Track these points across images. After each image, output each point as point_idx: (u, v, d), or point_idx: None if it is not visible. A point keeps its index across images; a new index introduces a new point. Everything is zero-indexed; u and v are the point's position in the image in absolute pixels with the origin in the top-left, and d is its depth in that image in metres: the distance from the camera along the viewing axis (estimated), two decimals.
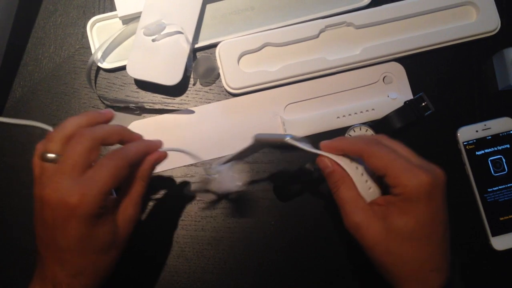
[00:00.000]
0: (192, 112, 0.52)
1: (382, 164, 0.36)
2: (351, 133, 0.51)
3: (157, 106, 0.53)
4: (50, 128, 0.52)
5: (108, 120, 0.41)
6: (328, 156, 0.39)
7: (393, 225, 0.35)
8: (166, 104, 0.53)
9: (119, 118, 0.53)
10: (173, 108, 0.53)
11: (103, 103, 0.53)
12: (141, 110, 0.53)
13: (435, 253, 0.36)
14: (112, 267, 0.39)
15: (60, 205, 0.34)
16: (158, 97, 0.53)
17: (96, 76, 0.54)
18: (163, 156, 0.41)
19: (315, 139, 0.52)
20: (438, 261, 0.36)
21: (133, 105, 0.52)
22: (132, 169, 0.39)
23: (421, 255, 0.36)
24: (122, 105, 0.52)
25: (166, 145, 0.43)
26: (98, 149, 0.37)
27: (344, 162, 0.39)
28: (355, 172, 0.39)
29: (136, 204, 0.40)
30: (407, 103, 0.51)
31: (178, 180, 0.52)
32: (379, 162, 0.36)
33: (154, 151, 0.41)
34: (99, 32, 0.53)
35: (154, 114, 0.53)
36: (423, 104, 0.50)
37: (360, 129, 0.51)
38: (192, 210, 0.51)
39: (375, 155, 0.36)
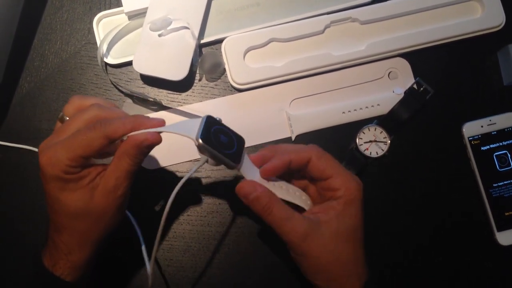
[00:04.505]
0: None
1: (329, 165, 0.38)
2: (361, 135, 0.51)
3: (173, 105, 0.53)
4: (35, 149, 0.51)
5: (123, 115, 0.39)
6: (250, 180, 0.37)
7: (334, 228, 0.37)
8: (177, 102, 0.53)
9: (133, 109, 0.53)
10: (180, 104, 0.53)
11: (120, 91, 0.53)
12: (159, 106, 0.53)
13: (363, 255, 0.39)
14: (90, 234, 0.39)
15: (39, 163, 0.37)
16: (163, 93, 0.54)
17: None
18: (152, 138, 0.36)
19: (321, 134, 0.53)
20: (364, 261, 0.39)
21: (152, 99, 0.52)
22: (111, 142, 0.37)
23: (356, 255, 0.38)
24: (140, 96, 0.52)
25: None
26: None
27: (268, 185, 0.38)
28: (282, 191, 0.39)
29: (118, 178, 0.37)
30: (407, 92, 0.52)
31: (183, 175, 0.52)
32: (327, 164, 0.38)
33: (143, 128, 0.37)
34: (105, 28, 0.53)
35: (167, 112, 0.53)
36: (422, 88, 0.51)
37: (369, 130, 0.51)
38: (197, 206, 0.52)
39: (324, 157, 0.39)
